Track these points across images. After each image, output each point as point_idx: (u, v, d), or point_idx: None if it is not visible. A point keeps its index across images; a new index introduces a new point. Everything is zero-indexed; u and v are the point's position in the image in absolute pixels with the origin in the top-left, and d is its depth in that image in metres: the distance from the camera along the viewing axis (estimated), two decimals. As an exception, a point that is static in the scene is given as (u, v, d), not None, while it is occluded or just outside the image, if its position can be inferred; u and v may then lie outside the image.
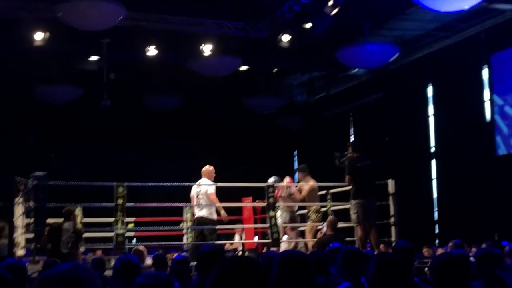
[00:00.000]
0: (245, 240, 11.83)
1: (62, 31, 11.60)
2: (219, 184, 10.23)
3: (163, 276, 3.02)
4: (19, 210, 9.48)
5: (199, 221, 9.98)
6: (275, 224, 9.91)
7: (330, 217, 9.66)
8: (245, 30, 13.21)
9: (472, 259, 5.53)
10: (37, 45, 12.38)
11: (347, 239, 9.43)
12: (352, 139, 16.96)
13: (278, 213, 10.50)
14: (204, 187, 10.01)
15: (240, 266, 1.81)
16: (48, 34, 12.25)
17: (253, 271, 1.80)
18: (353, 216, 9.47)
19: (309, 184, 10.77)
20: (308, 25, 12.21)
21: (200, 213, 10.03)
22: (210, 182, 10.12)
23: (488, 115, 13.42)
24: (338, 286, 3.96)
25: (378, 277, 3.04)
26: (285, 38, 12.76)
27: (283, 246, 10.22)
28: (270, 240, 9.99)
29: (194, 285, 4.70)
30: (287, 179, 10.90)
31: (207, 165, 10.32)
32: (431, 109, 15.12)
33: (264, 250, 10.71)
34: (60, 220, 8.56)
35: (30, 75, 14.27)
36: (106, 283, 4.87)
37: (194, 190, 10.15)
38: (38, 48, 12.48)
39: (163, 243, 11.46)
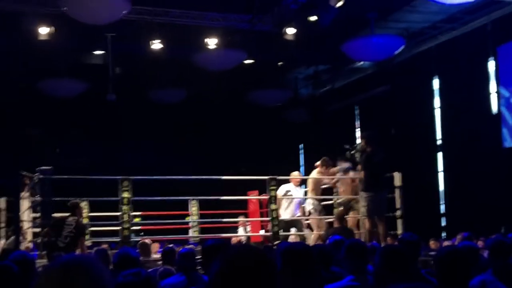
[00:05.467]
0: (251, 233, 11.83)
1: (67, 25, 11.59)
2: (224, 177, 10.43)
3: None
4: (25, 204, 9.49)
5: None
6: (276, 217, 9.84)
7: (338, 210, 9.61)
8: (251, 23, 13.15)
9: (482, 251, 5.49)
10: (42, 39, 12.38)
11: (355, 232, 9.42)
12: (358, 132, 16.91)
13: None
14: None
15: (248, 254, 1.70)
16: (53, 28, 12.25)
17: (262, 260, 1.69)
18: (363, 209, 9.46)
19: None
20: (313, 18, 12.15)
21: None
22: (291, 186, 10.44)
23: (494, 107, 13.36)
24: (342, 279, 3.94)
25: (384, 269, 3.03)
26: (290, 31, 12.68)
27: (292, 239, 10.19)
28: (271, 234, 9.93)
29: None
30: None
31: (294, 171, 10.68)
32: (437, 102, 15.07)
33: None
34: (66, 214, 8.56)
35: (35, 69, 14.26)
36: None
37: None
38: (43, 42, 12.47)
39: (170, 236, 11.48)
